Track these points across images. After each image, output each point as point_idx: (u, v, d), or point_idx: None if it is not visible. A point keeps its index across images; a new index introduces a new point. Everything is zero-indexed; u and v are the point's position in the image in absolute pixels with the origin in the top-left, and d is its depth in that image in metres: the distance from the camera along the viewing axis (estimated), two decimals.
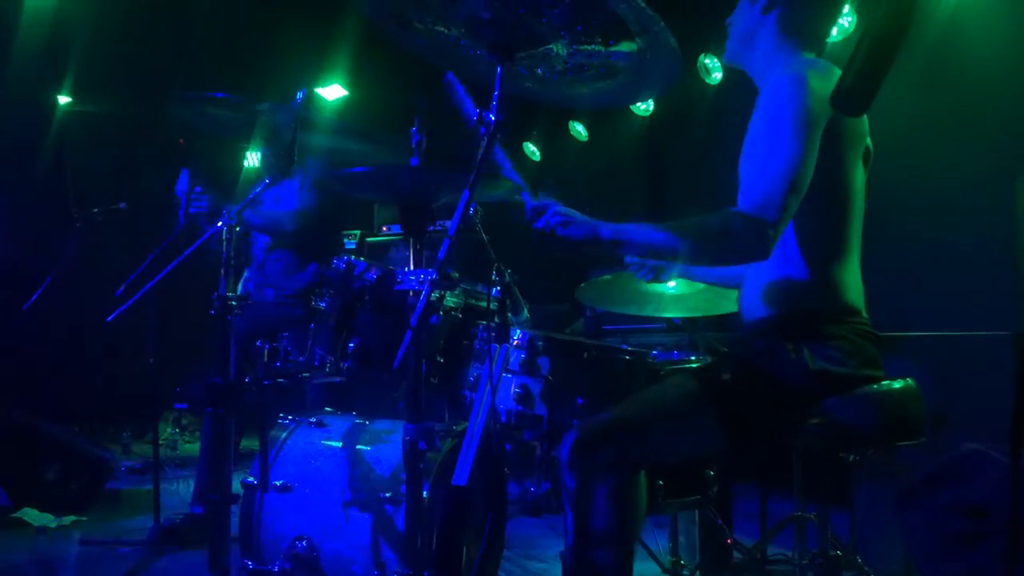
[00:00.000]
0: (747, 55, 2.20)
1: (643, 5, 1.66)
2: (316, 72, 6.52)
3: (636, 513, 1.98)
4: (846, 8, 4.50)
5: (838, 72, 1.97)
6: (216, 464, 2.66)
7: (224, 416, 2.56)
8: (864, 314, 2.06)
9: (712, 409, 1.95)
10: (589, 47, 1.79)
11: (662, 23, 1.70)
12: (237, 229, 2.66)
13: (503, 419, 2.32)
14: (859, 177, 2.07)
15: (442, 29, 1.83)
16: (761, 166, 1.91)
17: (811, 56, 2.13)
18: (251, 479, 2.61)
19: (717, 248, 1.95)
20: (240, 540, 2.62)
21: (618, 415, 1.99)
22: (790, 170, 1.86)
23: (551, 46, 1.83)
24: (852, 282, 2.05)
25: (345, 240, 5.12)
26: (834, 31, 4.55)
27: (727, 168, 2.32)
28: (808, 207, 1.95)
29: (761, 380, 1.97)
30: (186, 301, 3.71)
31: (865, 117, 2.08)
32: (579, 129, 6.87)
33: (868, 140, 2.10)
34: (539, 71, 1.91)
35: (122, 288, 3.30)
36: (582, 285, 3.21)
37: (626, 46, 1.80)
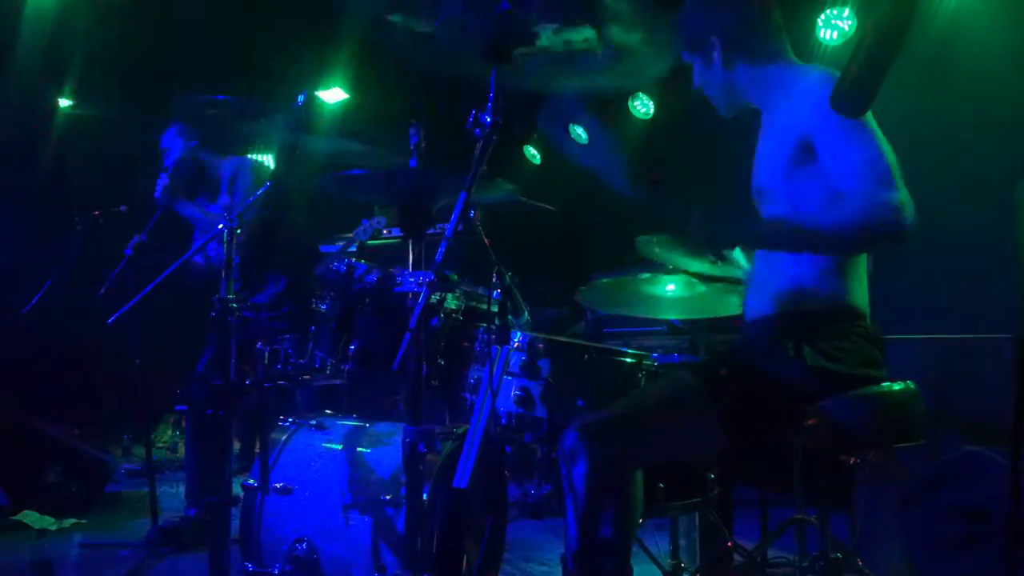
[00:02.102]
0: (743, 99, 2.25)
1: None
2: (317, 75, 6.54)
3: (635, 510, 1.98)
4: (846, 12, 4.52)
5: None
6: (213, 466, 2.66)
7: (224, 418, 2.55)
8: (868, 319, 2.07)
9: (712, 406, 1.96)
10: (579, 30, 1.80)
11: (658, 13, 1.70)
12: (238, 232, 2.66)
13: (503, 421, 2.32)
14: None
15: (428, 31, 1.83)
16: (867, 168, 1.91)
17: (799, 63, 2.19)
18: (251, 481, 2.62)
19: (870, 246, 1.99)
20: (240, 542, 2.63)
21: (618, 411, 2.00)
22: (886, 157, 1.90)
23: (541, 33, 1.83)
24: (859, 286, 2.06)
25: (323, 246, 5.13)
26: (834, 34, 4.57)
27: (728, 170, 2.33)
28: (815, 206, 1.97)
29: (760, 377, 1.98)
30: (188, 302, 3.72)
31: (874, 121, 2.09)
32: (579, 132, 6.87)
33: None
34: (534, 63, 1.91)
35: (102, 290, 3.32)
36: (582, 288, 3.21)
37: (617, 31, 1.80)
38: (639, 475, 2.01)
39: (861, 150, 1.91)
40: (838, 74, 2.00)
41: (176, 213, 3.92)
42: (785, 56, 2.19)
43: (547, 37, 1.81)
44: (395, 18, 1.83)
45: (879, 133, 1.94)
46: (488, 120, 1.75)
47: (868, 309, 2.08)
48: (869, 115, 1.93)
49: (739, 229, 2.03)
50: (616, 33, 1.80)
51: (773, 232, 2.04)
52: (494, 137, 1.75)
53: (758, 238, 2.06)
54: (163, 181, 3.88)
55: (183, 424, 6.55)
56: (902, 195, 1.85)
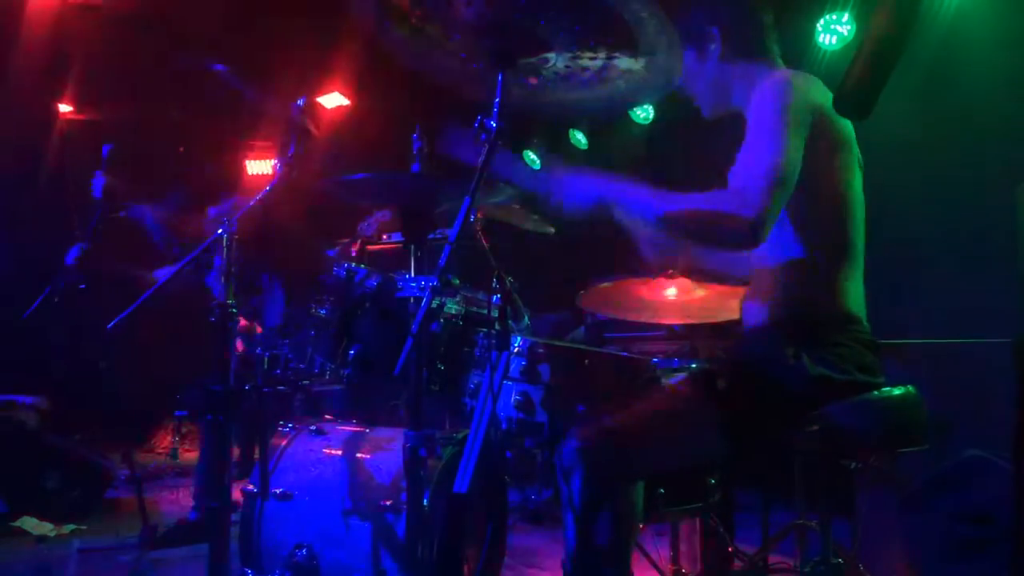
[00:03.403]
0: (729, 97, 2.24)
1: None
2: (316, 81, 6.54)
3: (634, 518, 1.98)
4: (846, 16, 4.52)
5: (817, 80, 2.07)
6: (214, 471, 2.65)
7: (224, 423, 2.54)
8: (865, 323, 2.07)
9: (712, 415, 1.95)
10: (589, 52, 1.79)
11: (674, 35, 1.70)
12: (237, 237, 2.65)
13: (504, 426, 2.32)
14: (856, 182, 2.09)
15: (438, 31, 1.83)
16: (750, 164, 1.92)
17: (782, 66, 2.19)
18: (251, 486, 2.61)
19: (706, 234, 1.99)
20: (240, 548, 2.62)
21: (615, 424, 1.99)
22: (774, 166, 1.87)
23: (550, 52, 1.83)
24: (854, 290, 2.06)
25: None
26: (833, 39, 4.57)
27: (727, 177, 2.33)
28: (808, 213, 1.97)
29: (760, 386, 1.97)
30: (188, 309, 3.71)
31: (850, 125, 2.09)
32: (579, 137, 6.88)
33: (855, 146, 2.12)
34: (539, 77, 1.90)
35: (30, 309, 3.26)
36: (582, 292, 3.20)
37: (625, 59, 1.80)
38: (639, 484, 2.00)
39: (756, 151, 1.92)
40: (789, 78, 2.03)
41: (125, 215, 3.83)
42: (772, 58, 2.19)
43: (555, 53, 1.81)
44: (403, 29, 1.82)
45: (791, 139, 1.92)
46: (493, 126, 1.75)
47: (864, 313, 2.08)
48: (794, 114, 1.94)
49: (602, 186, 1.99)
50: (623, 60, 1.80)
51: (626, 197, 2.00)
52: (499, 142, 1.75)
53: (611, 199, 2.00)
54: (100, 180, 3.73)
55: (182, 430, 6.57)
56: (766, 223, 1.85)
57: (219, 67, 2.54)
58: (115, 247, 3.75)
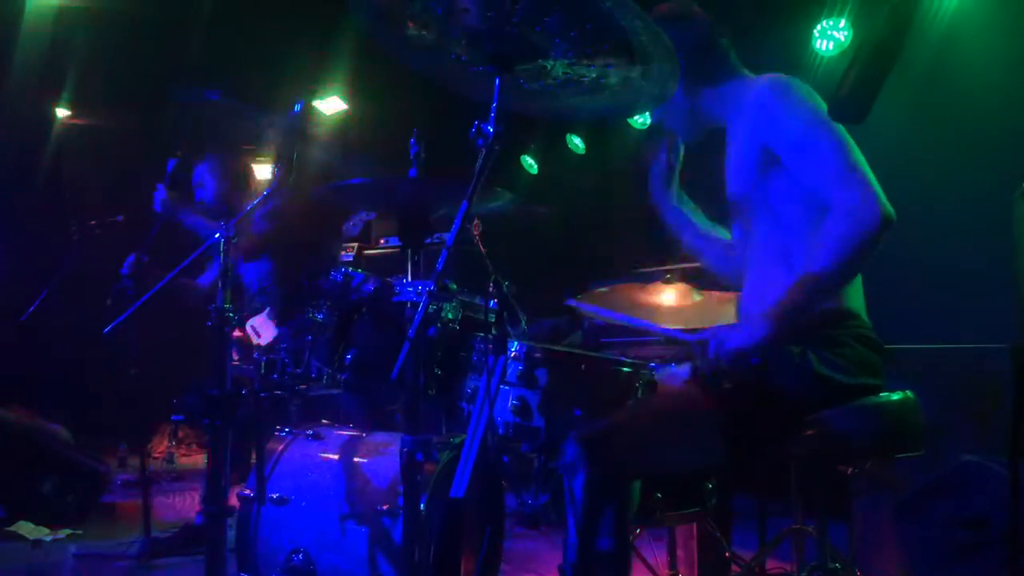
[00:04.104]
0: (706, 122, 2.29)
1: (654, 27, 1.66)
2: (315, 85, 6.55)
3: (629, 520, 1.98)
4: (842, 23, 4.53)
5: (807, 85, 2.07)
6: (219, 476, 2.65)
7: (221, 428, 2.54)
8: (865, 317, 2.07)
9: (714, 415, 1.95)
10: (586, 59, 1.79)
11: (668, 41, 1.70)
12: (235, 241, 2.65)
13: (501, 431, 2.31)
14: None
15: (434, 36, 1.83)
16: (827, 165, 1.92)
17: (749, 73, 2.23)
18: (247, 491, 2.60)
19: (863, 254, 1.90)
20: (236, 553, 2.61)
21: (619, 422, 1.99)
22: (844, 152, 1.91)
23: (548, 59, 1.83)
24: (853, 287, 2.06)
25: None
26: (830, 45, 4.58)
27: (724, 180, 2.33)
28: (804, 212, 1.98)
29: (765, 385, 1.97)
30: (187, 313, 3.72)
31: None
32: (576, 142, 6.88)
33: None
34: (538, 84, 1.90)
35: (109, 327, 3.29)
36: (579, 296, 3.20)
37: (620, 64, 1.80)
38: (636, 486, 2.01)
39: (823, 151, 1.93)
40: (784, 76, 2.05)
41: (179, 225, 3.88)
42: (739, 72, 2.24)
43: (552, 60, 1.81)
44: (410, 32, 1.82)
45: (839, 128, 1.94)
46: (490, 130, 1.75)
47: (864, 307, 2.09)
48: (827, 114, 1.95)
49: (754, 334, 1.93)
50: (618, 70, 1.80)
51: (786, 311, 1.94)
52: (496, 147, 1.75)
53: (776, 325, 1.93)
54: (161, 194, 3.83)
55: (179, 435, 6.55)
56: (874, 187, 1.87)
57: (215, 95, 2.57)
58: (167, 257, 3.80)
